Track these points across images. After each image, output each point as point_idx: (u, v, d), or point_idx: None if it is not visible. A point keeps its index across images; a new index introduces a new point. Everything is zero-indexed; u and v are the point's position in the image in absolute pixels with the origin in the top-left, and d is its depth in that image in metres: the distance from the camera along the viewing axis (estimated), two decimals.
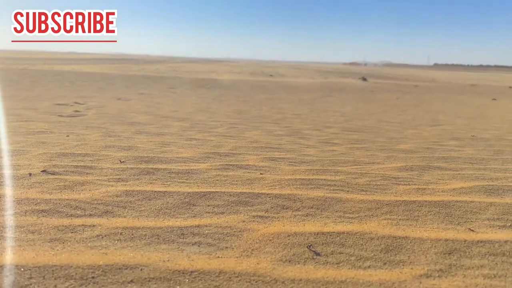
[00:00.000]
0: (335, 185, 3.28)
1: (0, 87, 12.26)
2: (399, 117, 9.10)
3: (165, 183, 3.19)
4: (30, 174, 3.28)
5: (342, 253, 2.01)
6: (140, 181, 3.23)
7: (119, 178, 3.29)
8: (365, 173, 3.71)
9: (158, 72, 28.73)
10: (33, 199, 2.64)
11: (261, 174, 3.57)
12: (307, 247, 2.04)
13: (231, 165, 3.82)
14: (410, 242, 2.15)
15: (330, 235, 2.19)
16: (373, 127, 7.32)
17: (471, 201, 2.92)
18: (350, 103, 12.35)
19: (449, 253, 2.04)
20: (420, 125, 7.87)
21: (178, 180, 3.27)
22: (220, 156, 4.24)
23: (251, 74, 32.55)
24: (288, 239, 2.13)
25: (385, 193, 3.12)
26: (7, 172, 3.34)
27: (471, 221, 2.56)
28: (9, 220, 2.30)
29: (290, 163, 4.03)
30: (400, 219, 2.54)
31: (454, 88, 23.34)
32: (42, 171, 3.38)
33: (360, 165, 4.10)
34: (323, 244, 2.09)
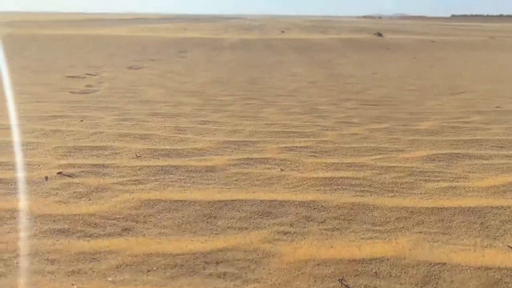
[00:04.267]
0: (360, 184, 3.14)
1: (10, 57, 12.11)
2: (417, 83, 8.78)
3: (184, 185, 3.10)
4: (46, 178, 3.20)
5: (376, 287, 1.90)
6: (159, 183, 3.14)
7: (136, 180, 3.20)
8: (390, 166, 3.56)
9: (168, 32, 28.19)
10: (51, 215, 2.56)
11: (281, 170, 3.45)
12: (338, 280, 1.93)
13: (250, 159, 3.70)
14: (448, 271, 2.02)
15: (362, 263, 2.08)
16: (392, 98, 7.06)
17: (507, 206, 2.76)
18: (366, 65, 11.96)
19: (492, 286, 1.92)
20: (439, 94, 7.58)
21: (198, 181, 3.17)
22: (237, 145, 4.11)
23: (261, 32, 31.74)
24: (318, 269, 2.03)
25: (414, 194, 2.98)
26: (22, 174, 3.27)
27: (510, 233, 2.42)
28: (27, 244, 2.22)
29: (310, 154, 3.88)
30: (433, 233, 2.41)
31: (472, 43, 22.48)
32: (57, 173, 3.29)
33: (384, 153, 3.94)
34: (355, 275, 1.98)
